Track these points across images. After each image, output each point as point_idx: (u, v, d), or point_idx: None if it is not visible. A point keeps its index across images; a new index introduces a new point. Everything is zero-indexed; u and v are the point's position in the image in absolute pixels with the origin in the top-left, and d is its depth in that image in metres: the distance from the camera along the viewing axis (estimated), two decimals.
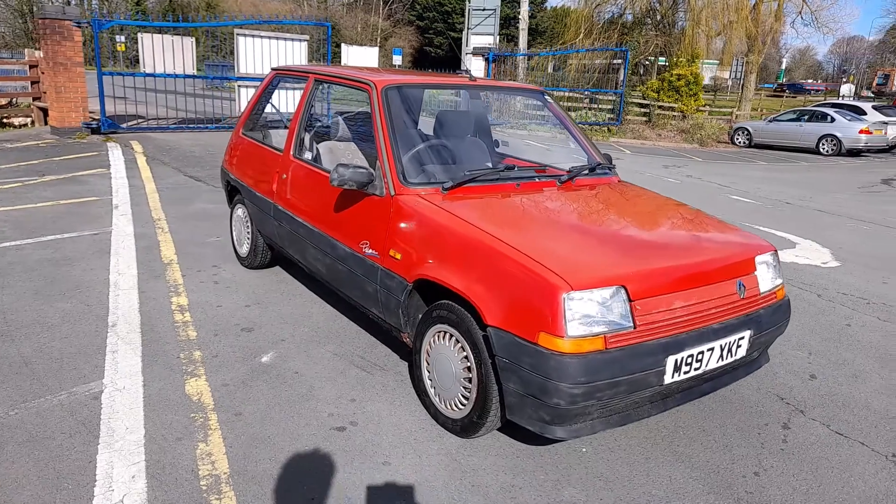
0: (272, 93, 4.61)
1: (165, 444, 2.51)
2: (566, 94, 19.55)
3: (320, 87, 4.07)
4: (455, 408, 2.66)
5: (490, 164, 3.66)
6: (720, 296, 2.56)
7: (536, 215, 2.99)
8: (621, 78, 20.25)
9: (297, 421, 2.75)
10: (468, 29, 26.50)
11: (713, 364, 2.53)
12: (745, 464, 2.63)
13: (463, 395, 2.60)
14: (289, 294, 4.24)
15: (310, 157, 3.82)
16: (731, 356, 2.60)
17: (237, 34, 12.60)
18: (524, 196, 3.12)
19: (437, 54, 56.78)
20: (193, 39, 12.56)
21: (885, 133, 17.95)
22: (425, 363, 2.81)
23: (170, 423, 2.66)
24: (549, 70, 21.79)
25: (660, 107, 20.62)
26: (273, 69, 4.63)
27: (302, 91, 3.97)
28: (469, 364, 2.53)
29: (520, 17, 20.24)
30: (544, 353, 2.19)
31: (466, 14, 21.94)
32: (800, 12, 27.29)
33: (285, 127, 4.65)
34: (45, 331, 3.48)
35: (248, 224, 4.49)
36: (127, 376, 3.03)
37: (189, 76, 12.14)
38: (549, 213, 3.03)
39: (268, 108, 4.70)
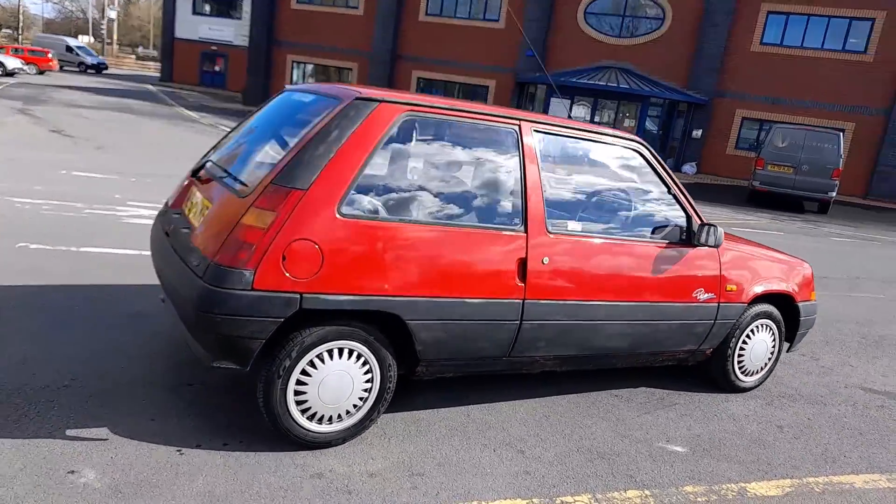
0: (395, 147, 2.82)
1: None
2: None
3: (544, 142, 3.18)
4: (759, 371, 3.97)
5: None
6: None
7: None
8: None
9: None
10: None
11: None
12: None
13: (767, 359, 3.97)
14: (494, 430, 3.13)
15: (579, 228, 3.19)
16: None
17: None
18: None
19: None
20: None
21: None
22: (737, 356, 3.82)
23: None
24: None
25: None
26: (399, 102, 2.74)
27: (517, 147, 3.02)
28: (773, 334, 3.95)
29: None
30: (815, 304, 4.17)
31: None
32: None
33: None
34: None
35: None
36: None
37: None
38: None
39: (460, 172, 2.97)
